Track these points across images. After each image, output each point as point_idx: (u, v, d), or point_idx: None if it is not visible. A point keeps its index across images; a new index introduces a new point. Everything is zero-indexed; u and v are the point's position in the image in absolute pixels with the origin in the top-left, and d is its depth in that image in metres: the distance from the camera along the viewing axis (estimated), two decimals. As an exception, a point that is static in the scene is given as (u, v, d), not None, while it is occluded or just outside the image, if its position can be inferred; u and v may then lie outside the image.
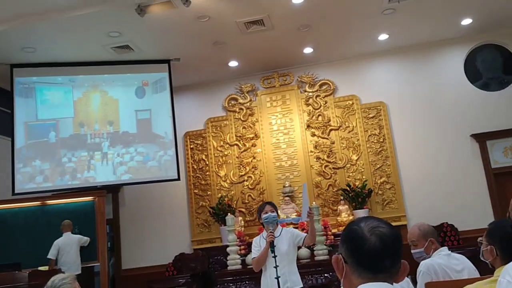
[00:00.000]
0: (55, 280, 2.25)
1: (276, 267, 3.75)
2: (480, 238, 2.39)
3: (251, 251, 4.21)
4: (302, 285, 3.99)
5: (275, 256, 3.78)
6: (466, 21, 7.41)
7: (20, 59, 7.18)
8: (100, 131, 7.59)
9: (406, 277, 1.79)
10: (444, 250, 2.97)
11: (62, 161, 7.34)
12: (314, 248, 6.35)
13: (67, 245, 6.60)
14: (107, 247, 7.35)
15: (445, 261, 2.83)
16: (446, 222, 7.39)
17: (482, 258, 2.30)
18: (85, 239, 6.79)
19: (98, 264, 6.88)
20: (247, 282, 6.14)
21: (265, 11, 6.43)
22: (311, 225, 4.05)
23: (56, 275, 2.31)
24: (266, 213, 4.00)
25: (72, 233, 6.76)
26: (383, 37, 7.67)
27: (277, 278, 3.72)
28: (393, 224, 7.44)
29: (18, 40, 6.62)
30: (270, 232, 3.89)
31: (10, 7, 5.70)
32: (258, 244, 4.01)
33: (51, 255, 6.51)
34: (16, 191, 7.04)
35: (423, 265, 2.83)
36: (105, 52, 7.22)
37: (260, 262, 3.94)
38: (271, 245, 3.82)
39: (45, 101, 7.51)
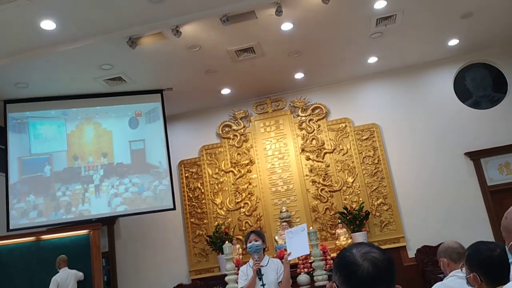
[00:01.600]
0: None
1: None
2: (463, 263, 2.35)
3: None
4: None
5: (263, 285, 3.74)
6: (453, 42, 7.54)
7: (13, 94, 7.21)
8: (94, 164, 7.57)
9: None
10: (460, 272, 2.75)
11: (56, 195, 7.29)
12: (314, 274, 6.27)
13: (66, 281, 6.46)
14: (103, 281, 7.21)
15: (457, 285, 2.68)
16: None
17: (469, 286, 2.26)
18: (81, 274, 6.67)
19: (95, 299, 6.74)
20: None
21: (255, 39, 6.52)
22: (286, 271, 3.95)
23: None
24: (250, 242, 3.96)
25: (69, 268, 6.64)
26: (372, 60, 7.77)
27: None
28: (392, 245, 7.46)
29: (11, 76, 6.65)
30: (256, 260, 3.87)
31: (1, 44, 5.76)
32: (245, 273, 3.95)
33: None
34: (10, 227, 6.96)
35: (434, 286, 2.78)
36: (97, 84, 7.26)
37: None
38: (258, 273, 3.79)
39: (39, 135, 7.50)
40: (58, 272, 6.51)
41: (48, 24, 5.45)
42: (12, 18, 5.23)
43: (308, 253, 4.53)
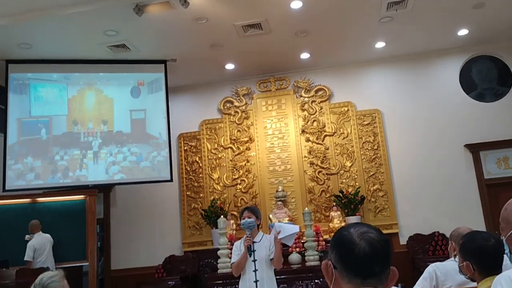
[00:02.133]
0: (43, 278, 2.20)
1: (255, 271, 3.82)
2: (455, 252, 2.37)
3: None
4: None
5: (254, 260, 3.82)
6: (463, 32, 7.45)
7: (15, 55, 7.14)
8: (93, 130, 7.54)
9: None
10: None
11: (54, 159, 7.29)
12: (306, 254, 6.33)
13: (42, 245, 6.53)
14: (97, 247, 7.28)
15: (452, 267, 2.76)
16: (438, 232, 7.40)
17: (461, 274, 2.28)
18: (51, 239, 6.69)
19: (87, 264, 6.82)
20: (236, 286, 6.08)
21: (263, 15, 6.43)
22: (278, 249, 3.95)
23: (44, 273, 2.27)
24: (244, 218, 4.01)
25: (42, 232, 6.68)
26: (380, 45, 7.69)
27: (256, 282, 3.79)
28: (384, 232, 7.48)
29: (15, 36, 6.57)
30: (247, 237, 3.93)
31: (7, 3, 5.67)
32: (239, 248, 4.03)
33: (28, 257, 6.39)
34: (6, 188, 6.98)
35: (429, 266, 2.84)
36: (101, 50, 7.18)
37: (239, 267, 3.98)
38: (249, 250, 3.87)
39: (39, 98, 7.46)
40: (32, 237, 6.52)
41: (54, -15, 5.36)
42: (18, -24, 5.14)
43: (298, 230, 4.43)
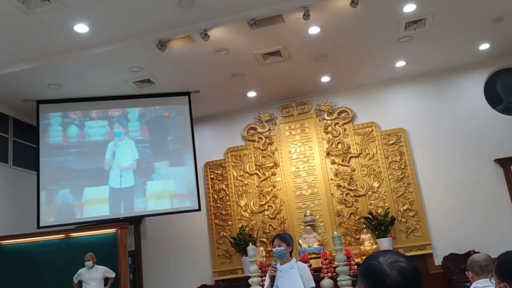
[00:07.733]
0: None
1: None
2: (492, 273, 2.30)
3: None
4: None
5: None
6: (484, 46, 7.39)
7: (46, 95, 7.42)
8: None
9: None
10: (482, 282, 2.82)
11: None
12: (338, 279, 6.23)
13: (90, 276, 6.59)
14: (129, 279, 7.33)
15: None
16: (473, 250, 7.18)
17: None
18: (111, 272, 6.74)
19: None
20: (269, 314, 6.02)
21: (282, 43, 6.55)
22: None
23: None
24: (275, 247, 3.96)
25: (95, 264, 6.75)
26: (400, 64, 7.69)
27: None
28: (418, 252, 7.35)
29: (44, 77, 6.85)
30: (272, 267, 3.88)
31: (36, 46, 5.95)
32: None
33: (74, 278, 6.53)
34: (41, 225, 7.15)
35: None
36: (127, 86, 7.41)
37: None
38: (272, 280, 3.80)
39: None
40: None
41: (81, 27, 5.60)
42: (47, 20, 5.40)
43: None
